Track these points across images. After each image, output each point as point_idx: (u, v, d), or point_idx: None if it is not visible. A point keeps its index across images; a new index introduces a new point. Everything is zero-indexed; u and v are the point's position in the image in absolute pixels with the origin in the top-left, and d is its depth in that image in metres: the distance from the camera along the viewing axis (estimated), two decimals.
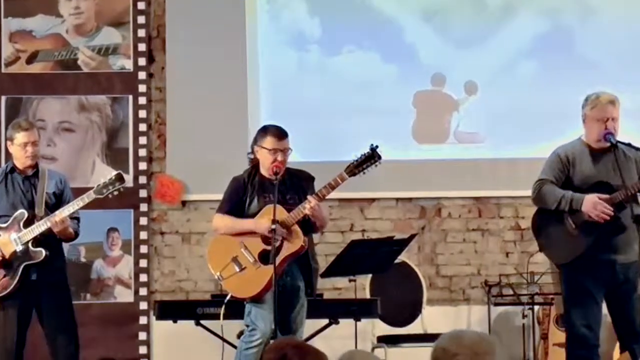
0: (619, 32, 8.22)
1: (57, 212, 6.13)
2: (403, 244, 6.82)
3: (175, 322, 7.09)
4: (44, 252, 6.16)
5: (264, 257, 5.94)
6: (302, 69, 8.30)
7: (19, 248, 6.15)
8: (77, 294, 7.73)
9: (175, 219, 8.25)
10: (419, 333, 7.63)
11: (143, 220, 8.17)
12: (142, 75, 8.23)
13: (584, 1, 8.32)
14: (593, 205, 5.78)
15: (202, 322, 6.98)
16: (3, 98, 8.17)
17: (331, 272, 6.63)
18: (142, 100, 8.23)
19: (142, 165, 8.19)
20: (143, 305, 8.10)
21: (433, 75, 8.28)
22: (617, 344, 6.93)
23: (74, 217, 6.29)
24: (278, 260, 5.83)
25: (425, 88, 8.29)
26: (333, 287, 7.87)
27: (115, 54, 8.23)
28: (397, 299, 7.71)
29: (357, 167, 5.92)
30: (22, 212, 6.21)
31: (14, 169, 6.36)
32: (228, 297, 6.02)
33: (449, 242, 8.26)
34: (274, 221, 5.79)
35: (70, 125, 8.19)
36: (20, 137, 6.28)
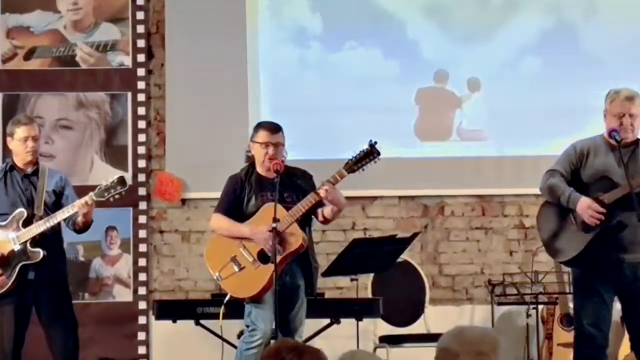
0: (624, 28, 8.21)
1: (77, 200, 6.11)
2: (405, 242, 6.78)
3: (174, 321, 7.06)
4: (41, 253, 6.12)
5: (263, 257, 5.90)
6: (303, 65, 8.27)
7: (17, 247, 6.12)
8: (75, 293, 7.63)
9: (174, 217, 8.23)
10: (421, 333, 7.61)
11: (142, 219, 8.16)
12: (141, 71, 8.22)
13: None
14: (586, 206, 5.79)
15: (202, 321, 6.96)
16: (0, 95, 8.15)
17: (333, 271, 6.61)
18: (141, 97, 8.21)
19: (141, 163, 8.18)
20: (142, 305, 8.08)
21: (436, 72, 8.27)
22: (622, 344, 6.93)
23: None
24: (279, 258, 5.79)
25: (428, 85, 8.27)
26: (335, 287, 7.87)
27: (114, 50, 8.22)
28: (400, 298, 7.70)
29: (356, 163, 5.89)
30: (22, 211, 6.17)
31: (13, 167, 6.32)
32: (227, 298, 5.98)
33: (452, 241, 8.25)
34: (274, 219, 5.75)
35: (69, 122, 8.18)
36: (20, 131, 6.24)
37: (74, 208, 6.07)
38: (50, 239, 6.20)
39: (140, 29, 8.21)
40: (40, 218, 6.15)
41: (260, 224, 5.91)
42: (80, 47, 8.20)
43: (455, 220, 8.25)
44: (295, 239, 5.86)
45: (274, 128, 6.06)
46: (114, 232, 8.11)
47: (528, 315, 7.64)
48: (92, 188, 6.20)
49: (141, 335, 8.05)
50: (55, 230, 6.21)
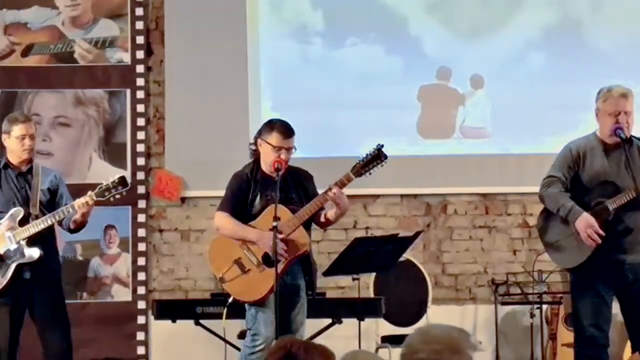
0: (630, 23, 8.19)
1: (63, 205, 6.09)
2: (408, 241, 6.76)
3: (174, 321, 7.05)
4: (38, 252, 6.10)
5: (268, 260, 5.84)
6: (304, 62, 8.25)
7: (13, 246, 6.09)
8: (73, 292, 7.78)
9: (174, 216, 8.21)
10: None
11: (141, 217, 8.14)
12: (140, 68, 8.19)
13: None
14: (585, 226, 5.73)
15: (202, 321, 6.96)
16: None
17: (334, 270, 6.59)
18: (140, 94, 8.19)
19: (140, 161, 8.16)
20: (141, 305, 8.06)
21: (438, 69, 8.24)
22: (628, 345, 6.90)
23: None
24: (283, 263, 5.76)
25: (431, 82, 8.25)
26: (336, 286, 7.85)
27: (113, 46, 8.20)
28: (402, 298, 7.68)
29: (364, 167, 5.86)
30: (19, 210, 6.14)
31: (7, 164, 6.30)
32: (230, 300, 5.93)
33: (455, 240, 8.22)
34: (275, 218, 5.71)
35: (67, 119, 8.16)
36: (17, 129, 6.21)
37: (73, 207, 6.03)
38: (46, 238, 6.18)
39: (139, 25, 8.19)
40: (37, 217, 6.13)
41: (264, 226, 5.85)
42: (79, 43, 8.18)
43: (458, 219, 8.23)
44: (302, 243, 5.84)
45: (289, 132, 5.94)
46: (113, 230, 8.09)
47: (532, 315, 7.64)
48: (90, 186, 6.17)
49: (140, 335, 8.03)
50: (51, 229, 6.18)
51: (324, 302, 6.83)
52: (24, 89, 8.11)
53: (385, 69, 8.15)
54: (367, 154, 5.86)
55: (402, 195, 8.22)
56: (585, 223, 5.71)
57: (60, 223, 6.17)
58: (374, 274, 7.58)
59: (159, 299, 7.78)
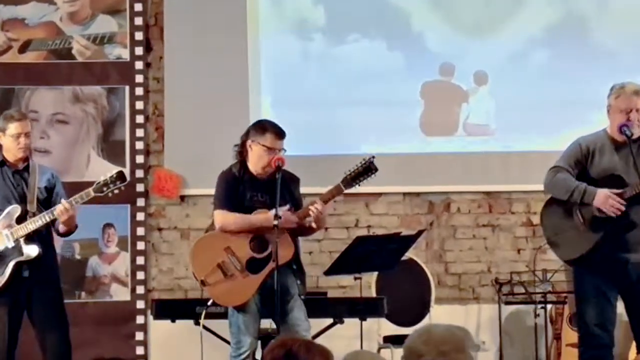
0: (635, 20, 8.17)
1: (60, 203, 6.07)
2: (410, 240, 6.79)
3: (173, 321, 7.00)
4: (37, 250, 6.10)
5: (251, 265, 5.91)
6: (305, 58, 8.24)
7: (10, 244, 6.09)
8: (71, 292, 7.79)
9: (173, 215, 8.21)
10: None
11: (140, 216, 8.13)
12: (139, 65, 8.19)
13: None
14: (605, 198, 5.73)
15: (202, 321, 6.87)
16: None
17: (336, 269, 6.60)
18: (139, 91, 8.18)
19: (139, 159, 8.15)
20: (140, 304, 8.05)
21: (441, 65, 8.23)
22: (633, 345, 6.90)
23: None
24: (267, 270, 5.84)
25: (434, 78, 8.24)
26: (338, 286, 7.85)
27: (111, 42, 8.19)
28: (404, 297, 7.68)
29: (354, 179, 5.96)
30: (16, 207, 6.15)
31: (4, 162, 6.29)
32: (210, 303, 6.07)
33: (458, 239, 8.22)
34: (275, 217, 5.73)
35: (65, 116, 8.15)
36: (13, 127, 6.22)
37: (52, 214, 6.04)
38: (44, 236, 6.17)
39: (138, 21, 8.18)
40: (34, 215, 6.13)
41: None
42: (77, 39, 8.17)
43: (461, 218, 8.23)
44: (289, 251, 5.90)
45: (282, 133, 6.03)
46: (111, 229, 8.08)
47: (536, 315, 7.66)
48: (88, 184, 6.19)
49: (139, 335, 8.03)
50: (48, 227, 6.19)
51: (325, 301, 6.83)
52: (22, 86, 8.10)
53: (387, 66, 8.14)
54: (357, 165, 5.94)
55: (404, 194, 8.21)
56: (604, 196, 5.71)
57: (53, 224, 6.17)
58: (376, 273, 7.57)
59: (158, 298, 7.78)
